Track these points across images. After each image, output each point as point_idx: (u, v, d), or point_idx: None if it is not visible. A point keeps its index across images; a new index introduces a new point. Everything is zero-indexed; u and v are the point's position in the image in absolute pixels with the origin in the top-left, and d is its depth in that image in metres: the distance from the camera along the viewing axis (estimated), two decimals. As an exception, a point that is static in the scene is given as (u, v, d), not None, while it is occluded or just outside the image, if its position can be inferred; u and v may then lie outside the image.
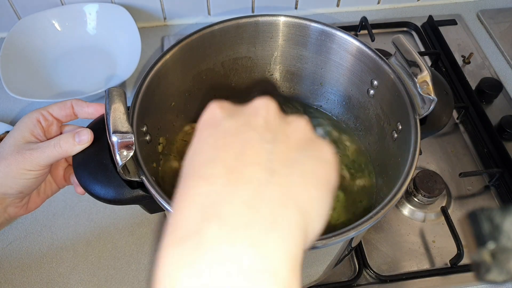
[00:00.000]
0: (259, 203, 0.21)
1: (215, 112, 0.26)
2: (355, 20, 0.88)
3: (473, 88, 0.78)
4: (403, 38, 0.48)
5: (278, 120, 0.26)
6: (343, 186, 0.55)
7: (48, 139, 0.44)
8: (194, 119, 0.60)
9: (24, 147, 0.42)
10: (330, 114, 0.63)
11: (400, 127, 0.50)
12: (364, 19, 0.85)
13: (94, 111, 0.46)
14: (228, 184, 0.22)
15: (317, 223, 0.24)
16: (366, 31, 0.84)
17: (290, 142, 0.25)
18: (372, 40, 0.81)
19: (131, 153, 0.39)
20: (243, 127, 0.25)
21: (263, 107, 0.26)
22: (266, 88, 0.63)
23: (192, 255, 0.19)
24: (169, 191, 0.54)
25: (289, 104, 0.64)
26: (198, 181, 0.22)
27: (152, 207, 0.44)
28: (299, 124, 0.27)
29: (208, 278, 0.19)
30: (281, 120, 0.26)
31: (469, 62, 0.84)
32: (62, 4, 0.82)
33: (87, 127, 0.44)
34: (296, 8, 0.92)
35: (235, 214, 0.20)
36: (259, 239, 0.20)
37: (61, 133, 0.46)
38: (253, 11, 0.91)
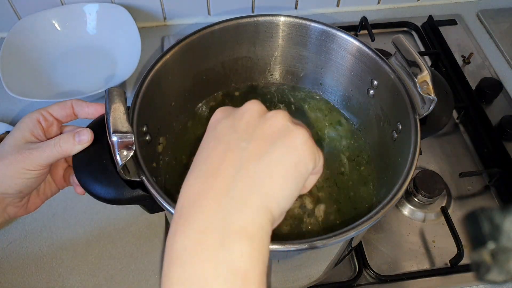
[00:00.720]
0: (230, 192, 0.28)
1: (216, 115, 0.34)
2: (355, 20, 0.88)
3: (473, 88, 0.78)
4: (403, 38, 0.48)
5: (258, 120, 0.31)
6: (342, 185, 0.56)
7: (48, 139, 0.44)
8: (194, 118, 0.60)
9: (24, 147, 0.42)
10: (330, 114, 0.63)
11: (400, 127, 0.50)
12: (364, 19, 0.85)
13: (94, 111, 0.46)
14: (207, 180, 0.29)
15: (283, 201, 0.30)
16: (366, 31, 0.83)
17: (265, 137, 0.30)
18: (372, 40, 0.81)
19: (131, 153, 0.39)
20: (229, 130, 0.31)
21: (247, 111, 0.32)
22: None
23: (184, 230, 0.28)
24: (169, 191, 0.54)
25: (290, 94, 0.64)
26: (189, 176, 0.30)
27: (152, 207, 0.44)
28: (275, 118, 0.31)
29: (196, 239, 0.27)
30: (260, 119, 0.31)
31: (469, 62, 0.84)
32: (62, 4, 0.82)
33: (87, 127, 0.44)
34: (296, 8, 0.92)
35: (212, 201, 0.28)
36: (232, 215, 0.27)
37: (61, 133, 0.46)
38: (253, 11, 0.91)
